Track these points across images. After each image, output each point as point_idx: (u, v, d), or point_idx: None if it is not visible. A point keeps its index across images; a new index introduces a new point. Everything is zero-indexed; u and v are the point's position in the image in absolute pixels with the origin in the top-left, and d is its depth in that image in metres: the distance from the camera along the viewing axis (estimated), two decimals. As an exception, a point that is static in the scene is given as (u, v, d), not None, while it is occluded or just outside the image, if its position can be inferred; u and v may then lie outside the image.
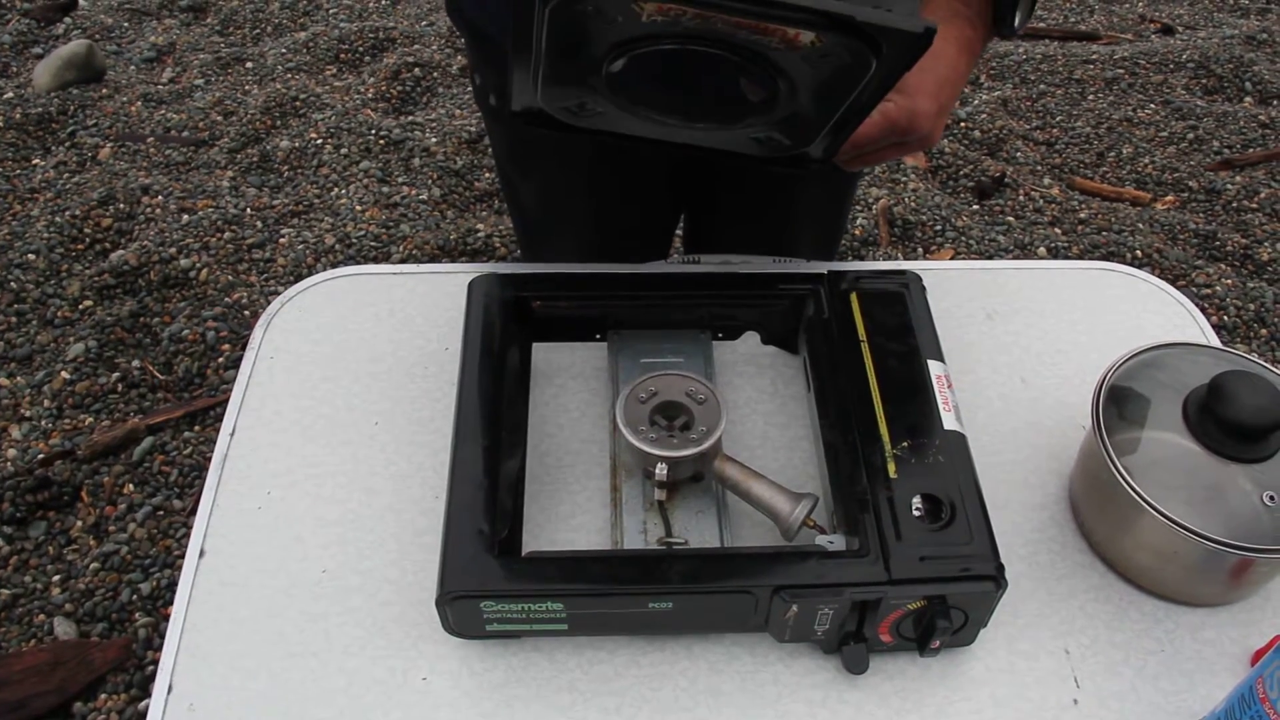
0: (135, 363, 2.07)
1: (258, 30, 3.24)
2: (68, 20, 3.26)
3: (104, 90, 2.90)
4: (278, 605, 0.80)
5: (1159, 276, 2.28)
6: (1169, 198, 2.65)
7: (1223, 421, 0.76)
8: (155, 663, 0.77)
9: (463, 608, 0.71)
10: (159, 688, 0.75)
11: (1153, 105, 3.00)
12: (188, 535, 0.85)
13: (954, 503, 0.75)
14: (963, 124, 2.86)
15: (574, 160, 1.13)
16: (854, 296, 0.90)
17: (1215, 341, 0.98)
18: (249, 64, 3.07)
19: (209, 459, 0.89)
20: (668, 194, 1.23)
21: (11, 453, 1.88)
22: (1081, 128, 2.89)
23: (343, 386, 0.95)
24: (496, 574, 0.71)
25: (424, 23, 3.26)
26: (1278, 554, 0.73)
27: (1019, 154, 2.78)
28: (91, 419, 1.96)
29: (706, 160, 1.15)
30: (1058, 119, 2.94)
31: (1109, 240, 2.45)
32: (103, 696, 1.54)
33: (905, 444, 0.79)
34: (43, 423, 1.94)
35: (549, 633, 0.75)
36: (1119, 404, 0.82)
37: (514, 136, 1.16)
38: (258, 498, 0.86)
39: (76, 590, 1.66)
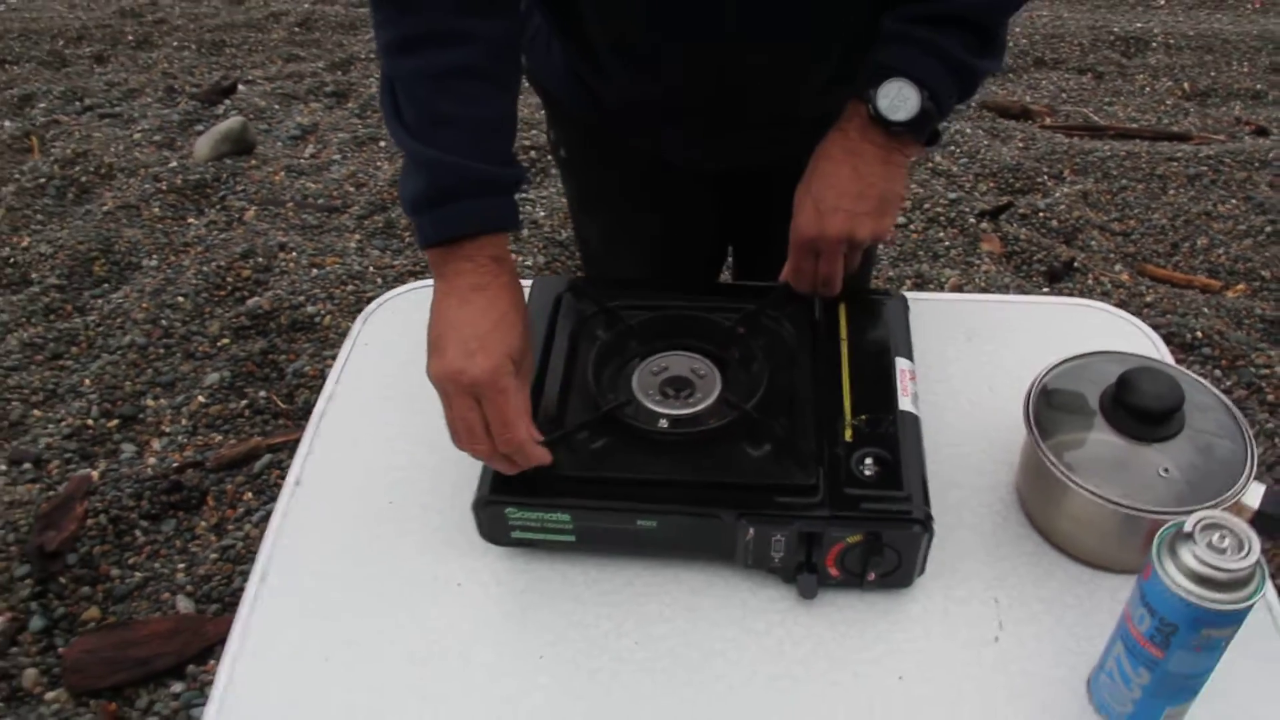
0: (262, 393, 2.34)
1: (392, 114, 3.58)
2: (227, 102, 3.67)
3: (253, 161, 3.26)
4: (351, 526, 1.00)
5: (1217, 356, 2.35)
6: (1240, 286, 2.71)
7: (1130, 408, 0.90)
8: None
9: (492, 513, 0.90)
10: (255, 573, 0.96)
11: (1234, 200, 3.05)
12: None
13: (897, 462, 0.90)
14: (1041, 214, 2.98)
15: (633, 206, 1.33)
16: (842, 307, 1.07)
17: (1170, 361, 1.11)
18: (381, 143, 3.40)
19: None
20: (716, 233, 1.41)
21: (152, 461, 2.15)
22: (1158, 219, 2.96)
23: (420, 366, 1.15)
24: (518, 488, 0.90)
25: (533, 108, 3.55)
26: (1169, 514, 0.87)
27: (1093, 242, 2.87)
28: (221, 437, 2.23)
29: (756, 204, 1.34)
30: (1135, 211, 3.01)
31: (1170, 322, 2.50)
32: (211, 662, 1.75)
33: (863, 417, 0.95)
34: (179, 438, 2.21)
35: (561, 544, 0.93)
36: (1050, 399, 0.97)
37: (581, 185, 1.38)
38: (344, 446, 1.07)
39: (197, 575, 1.90)
